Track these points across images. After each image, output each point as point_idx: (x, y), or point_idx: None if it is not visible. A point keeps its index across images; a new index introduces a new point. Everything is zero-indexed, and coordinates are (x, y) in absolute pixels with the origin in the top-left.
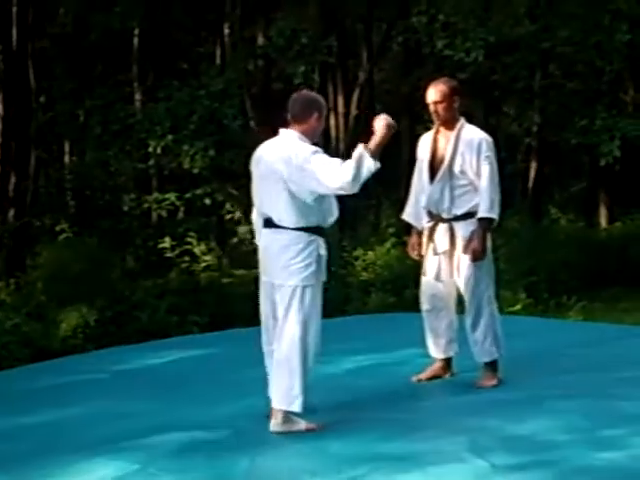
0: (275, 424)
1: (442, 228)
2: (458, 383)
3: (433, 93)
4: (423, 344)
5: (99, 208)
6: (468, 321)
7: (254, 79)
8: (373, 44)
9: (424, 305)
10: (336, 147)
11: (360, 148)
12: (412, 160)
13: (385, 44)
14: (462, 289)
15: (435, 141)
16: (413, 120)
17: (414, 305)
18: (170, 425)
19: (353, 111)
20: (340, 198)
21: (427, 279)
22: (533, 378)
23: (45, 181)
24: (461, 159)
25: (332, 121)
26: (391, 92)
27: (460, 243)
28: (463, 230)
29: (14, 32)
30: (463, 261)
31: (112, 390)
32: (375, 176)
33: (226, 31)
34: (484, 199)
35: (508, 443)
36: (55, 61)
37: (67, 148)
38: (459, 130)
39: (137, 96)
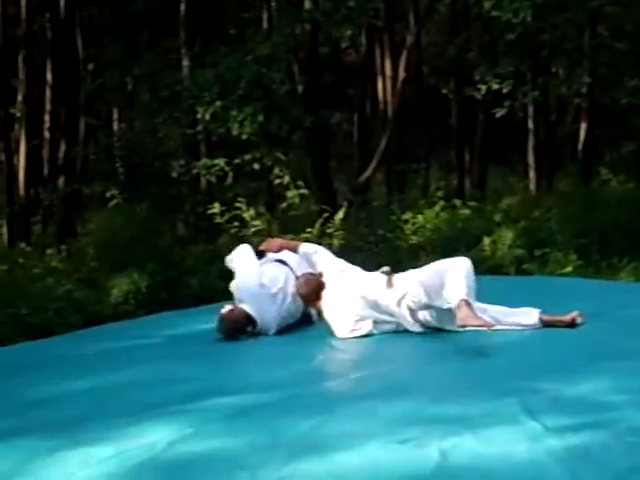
0: None
1: None
2: (511, 344)
3: None
4: None
5: (148, 174)
6: None
7: (301, 43)
8: (420, 6)
9: None
10: (384, 110)
11: None
12: (460, 122)
13: (432, 6)
14: None
15: None
16: (460, 82)
17: None
18: (223, 389)
19: (401, 74)
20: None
21: None
22: (585, 339)
23: (94, 148)
24: None
25: (380, 84)
26: (438, 55)
27: None
28: None
29: (62, 1)
30: None
31: (163, 355)
32: (423, 139)
33: None
34: None
35: (561, 404)
36: (103, 29)
37: (116, 115)
38: None
39: (185, 62)
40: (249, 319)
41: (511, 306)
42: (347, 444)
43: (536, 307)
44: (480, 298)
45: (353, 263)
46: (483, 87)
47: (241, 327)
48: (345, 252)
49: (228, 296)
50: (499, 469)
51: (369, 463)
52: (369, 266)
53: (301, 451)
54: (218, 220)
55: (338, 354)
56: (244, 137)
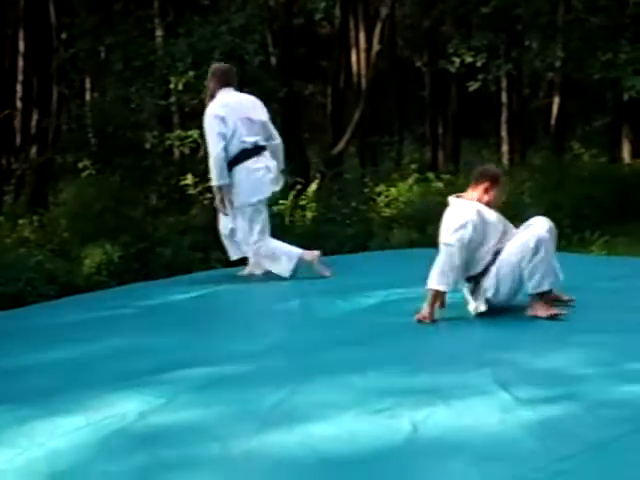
0: None
1: None
2: (483, 318)
3: None
4: None
5: (121, 145)
6: None
7: (275, 15)
8: None
9: None
10: (358, 82)
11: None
12: (434, 95)
13: None
14: None
15: None
16: (434, 55)
17: (436, 240)
18: (195, 360)
19: (375, 46)
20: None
21: None
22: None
23: (67, 118)
24: None
25: (354, 57)
26: (413, 27)
27: None
28: None
29: None
30: None
31: (136, 325)
32: (396, 112)
33: None
34: None
35: (533, 376)
36: None
37: (88, 85)
38: None
39: (158, 32)
40: None
41: None
42: (318, 415)
43: None
44: None
45: (326, 236)
46: (457, 60)
47: None
48: (318, 224)
49: (200, 266)
50: (470, 440)
51: (341, 434)
52: (342, 239)
53: (272, 422)
54: (191, 191)
55: (312, 328)
56: None
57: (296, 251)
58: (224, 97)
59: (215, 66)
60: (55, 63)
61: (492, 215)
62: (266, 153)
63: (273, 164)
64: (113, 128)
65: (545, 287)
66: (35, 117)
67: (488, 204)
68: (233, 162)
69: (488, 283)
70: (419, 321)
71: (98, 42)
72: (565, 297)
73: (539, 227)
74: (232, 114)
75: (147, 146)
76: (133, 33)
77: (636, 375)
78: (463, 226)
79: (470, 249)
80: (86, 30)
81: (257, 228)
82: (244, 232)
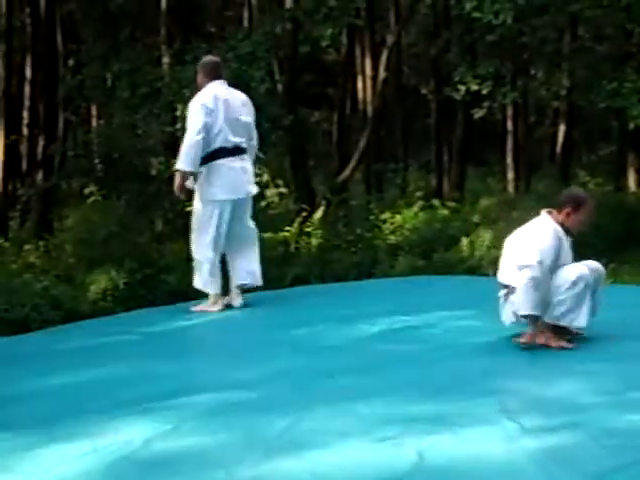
0: None
1: None
2: (488, 346)
3: None
4: (452, 307)
5: (127, 171)
6: None
7: (281, 42)
8: (401, 6)
9: None
10: (364, 109)
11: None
12: (439, 122)
13: (413, 6)
14: None
15: None
16: (440, 83)
17: (442, 268)
18: (200, 386)
19: (381, 74)
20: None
21: None
22: None
23: (73, 144)
24: None
25: (360, 84)
26: (419, 55)
27: None
28: None
29: None
30: None
31: (141, 352)
32: (402, 139)
33: None
34: None
35: (538, 405)
36: (83, 25)
37: (95, 112)
38: None
39: (165, 59)
40: None
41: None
42: (324, 443)
43: None
44: (459, 298)
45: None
46: (462, 88)
47: None
48: (323, 251)
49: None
50: (475, 469)
51: (346, 462)
52: (347, 266)
53: (278, 450)
54: None
55: (317, 355)
56: None
57: (216, 290)
58: (215, 89)
59: (204, 59)
60: (62, 90)
61: (567, 242)
62: (246, 156)
63: (250, 167)
64: (119, 154)
65: (564, 323)
66: (41, 143)
67: (567, 230)
68: (210, 158)
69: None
70: (523, 344)
71: (105, 69)
72: (574, 330)
73: (587, 266)
74: (222, 111)
75: (153, 172)
76: (140, 60)
77: (639, 404)
78: (545, 250)
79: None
80: (93, 57)
81: (212, 231)
82: (199, 228)
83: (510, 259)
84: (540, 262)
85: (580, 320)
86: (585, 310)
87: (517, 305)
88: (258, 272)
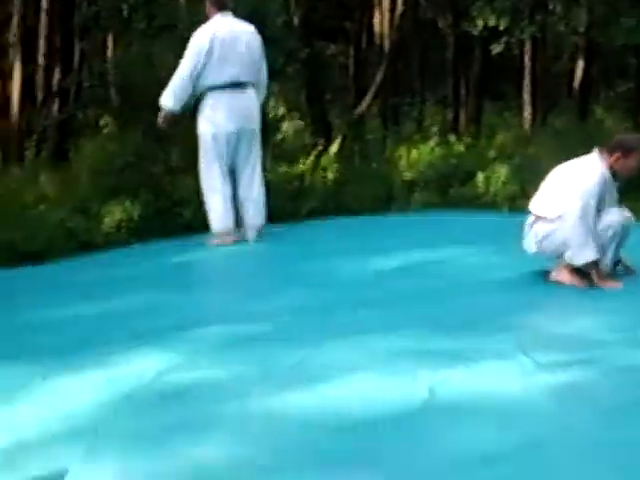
0: None
1: None
2: (504, 282)
3: None
4: (468, 242)
5: (143, 102)
6: None
7: None
8: None
9: None
10: (381, 43)
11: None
12: (456, 57)
13: None
14: None
15: None
16: (457, 17)
17: (458, 204)
18: (214, 319)
19: (399, 7)
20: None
21: None
22: None
23: (89, 75)
24: None
25: (377, 18)
26: None
27: None
28: None
29: None
30: None
31: (156, 283)
32: (419, 73)
33: None
34: None
35: (553, 341)
36: None
37: (111, 43)
38: None
39: None
40: None
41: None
42: (336, 377)
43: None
44: (475, 234)
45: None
46: (480, 22)
47: None
48: (339, 185)
49: None
50: (488, 404)
51: (358, 396)
52: (363, 200)
53: (290, 382)
54: None
55: (332, 289)
56: None
57: (229, 225)
58: (217, 25)
59: None
60: (78, 19)
61: (613, 186)
62: (248, 89)
63: (253, 102)
64: (135, 85)
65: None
66: (57, 74)
67: (615, 174)
68: (206, 91)
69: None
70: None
71: (121, 0)
72: (628, 263)
73: (619, 215)
74: (218, 47)
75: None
76: None
77: None
78: (590, 192)
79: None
80: None
81: (212, 163)
82: (202, 161)
83: (551, 192)
84: (584, 206)
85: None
86: (609, 255)
87: (573, 254)
88: (263, 211)
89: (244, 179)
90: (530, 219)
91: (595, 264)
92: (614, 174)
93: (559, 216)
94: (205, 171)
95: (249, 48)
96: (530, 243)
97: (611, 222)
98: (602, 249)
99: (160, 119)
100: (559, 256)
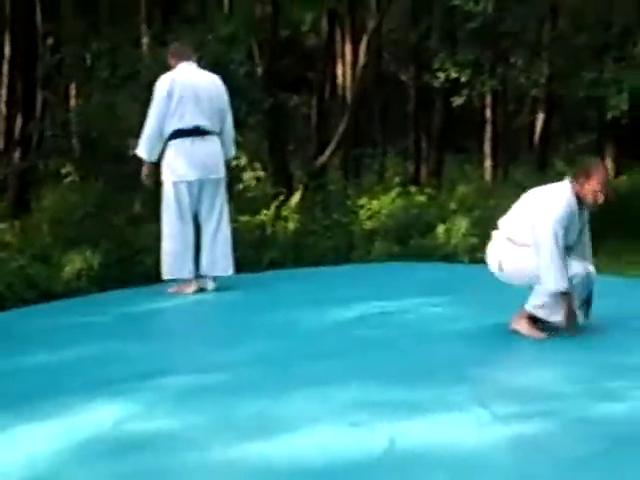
0: None
1: None
2: (463, 333)
3: None
4: (428, 293)
5: (105, 152)
6: None
7: (261, 25)
8: None
9: None
10: (343, 94)
11: None
12: (418, 109)
13: None
14: None
15: None
16: (419, 70)
17: (418, 254)
18: (173, 368)
19: (361, 59)
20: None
21: None
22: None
23: (51, 124)
24: None
25: (339, 69)
26: (399, 41)
27: None
28: None
29: None
30: None
31: (115, 332)
32: (381, 125)
33: None
34: None
35: (511, 393)
36: (63, 3)
37: (74, 91)
38: None
39: (145, 40)
40: None
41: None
42: (297, 426)
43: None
44: (434, 285)
45: (308, 247)
46: (442, 75)
47: None
48: (299, 235)
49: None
50: (446, 455)
51: (318, 446)
52: (324, 251)
53: (250, 433)
54: None
55: (292, 339)
56: None
57: (189, 274)
58: (178, 72)
59: (172, 44)
60: (41, 68)
61: (580, 215)
62: (212, 137)
63: (217, 149)
64: (97, 134)
65: (542, 314)
66: (19, 122)
67: (581, 201)
68: (170, 138)
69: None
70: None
71: (84, 48)
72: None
73: (581, 268)
74: (178, 92)
75: (131, 153)
76: (119, 40)
77: (612, 393)
78: (557, 219)
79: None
80: (72, 36)
81: (173, 211)
82: (165, 209)
83: (520, 215)
84: (555, 233)
85: (557, 316)
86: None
87: (546, 280)
88: (227, 261)
89: (208, 228)
90: (497, 236)
91: (566, 295)
92: (581, 202)
93: (524, 243)
94: (165, 218)
95: (212, 96)
96: (494, 263)
97: (577, 271)
98: (556, 302)
99: (144, 176)
100: (523, 283)
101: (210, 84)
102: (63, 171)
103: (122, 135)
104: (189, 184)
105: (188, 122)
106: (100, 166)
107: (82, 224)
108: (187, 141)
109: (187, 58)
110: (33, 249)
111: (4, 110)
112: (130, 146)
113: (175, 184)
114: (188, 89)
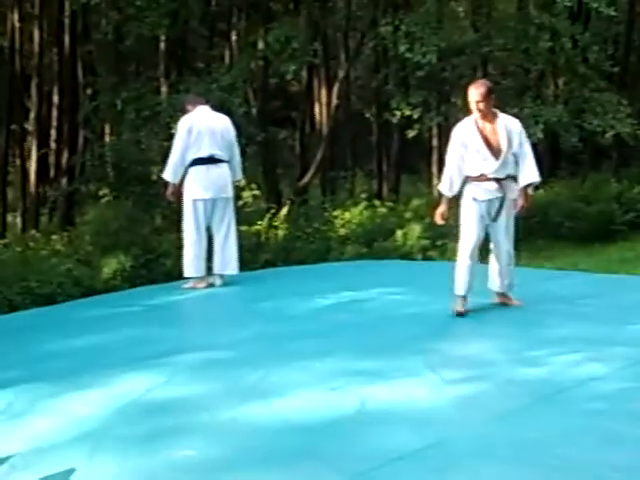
0: None
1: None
2: (418, 315)
3: (476, 94)
4: (389, 284)
5: (133, 177)
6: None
7: (255, 76)
8: (349, 48)
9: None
10: (320, 129)
11: None
12: (380, 139)
13: (359, 48)
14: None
15: (481, 129)
16: (380, 109)
17: (381, 254)
18: (190, 347)
19: (334, 101)
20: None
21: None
22: (476, 312)
23: (90, 156)
24: (512, 141)
25: (317, 109)
26: (363, 86)
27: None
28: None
29: (66, 39)
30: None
31: (143, 320)
32: (351, 152)
33: (233, 37)
34: (531, 166)
35: (455, 361)
36: (99, 61)
37: (107, 130)
38: (501, 120)
39: (163, 89)
40: None
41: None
42: (287, 391)
43: (435, 286)
44: (394, 278)
45: (294, 250)
46: (398, 113)
47: None
48: (287, 241)
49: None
50: (406, 412)
51: (304, 406)
52: (307, 253)
53: (250, 397)
54: None
55: (282, 322)
56: None
57: (202, 272)
58: (196, 113)
59: (188, 96)
60: (81, 113)
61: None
62: (223, 164)
63: (226, 174)
64: (127, 164)
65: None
66: (65, 155)
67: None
68: (190, 165)
69: None
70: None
71: (115, 96)
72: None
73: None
74: (197, 128)
75: (153, 178)
76: (143, 89)
77: (535, 360)
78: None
79: None
80: (106, 87)
81: (192, 224)
82: (185, 222)
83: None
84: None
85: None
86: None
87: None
88: (234, 263)
89: (219, 237)
90: None
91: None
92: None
93: None
94: (185, 228)
95: (223, 132)
96: None
97: (508, 248)
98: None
99: (169, 195)
100: None
101: (222, 122)
102: (100, 193)
103: (146, 164)
104: (204, 202)
105: (204, 152)
106: (129, 189)
107: (116, 234)
108: (203, 168)
109: (202, 103)
110: (78, 255)
111: (54, 146)
112: (153, 172)
113: (194, 202)
114: (204, 126)
